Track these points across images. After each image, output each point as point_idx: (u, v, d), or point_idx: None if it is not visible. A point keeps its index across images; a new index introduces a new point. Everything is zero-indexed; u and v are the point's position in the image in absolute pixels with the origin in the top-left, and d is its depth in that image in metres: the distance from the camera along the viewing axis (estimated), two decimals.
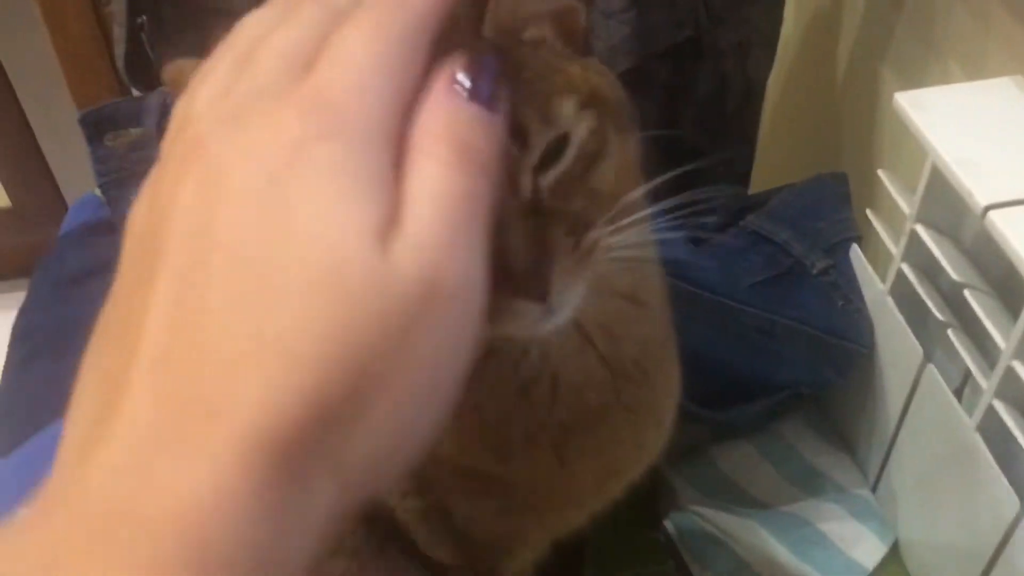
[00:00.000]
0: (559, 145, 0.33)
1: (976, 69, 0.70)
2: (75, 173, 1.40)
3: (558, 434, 0.44)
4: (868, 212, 0.69)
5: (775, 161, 1.00)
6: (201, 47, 0.74)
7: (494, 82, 0.27)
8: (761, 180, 0.84)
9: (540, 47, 0.35)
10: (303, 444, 0.21)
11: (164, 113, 0.68)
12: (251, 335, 0.21)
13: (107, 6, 0.80)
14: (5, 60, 1.32)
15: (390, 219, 0.23)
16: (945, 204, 0.59)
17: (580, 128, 0.34)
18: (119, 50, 0.72)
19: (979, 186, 0.54)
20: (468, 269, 0.24)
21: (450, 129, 0.25)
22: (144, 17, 0.68)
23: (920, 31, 0.76)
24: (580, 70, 0.36)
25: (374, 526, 0.48)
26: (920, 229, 0.61)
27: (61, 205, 1.51)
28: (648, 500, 0.71)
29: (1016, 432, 0.54)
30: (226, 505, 0.20)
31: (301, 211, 0.22)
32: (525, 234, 0.31)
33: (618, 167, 0.36)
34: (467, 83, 0.26)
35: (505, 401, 0.41)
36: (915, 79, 0.78)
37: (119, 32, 0.71)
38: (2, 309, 1.53)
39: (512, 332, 0.32)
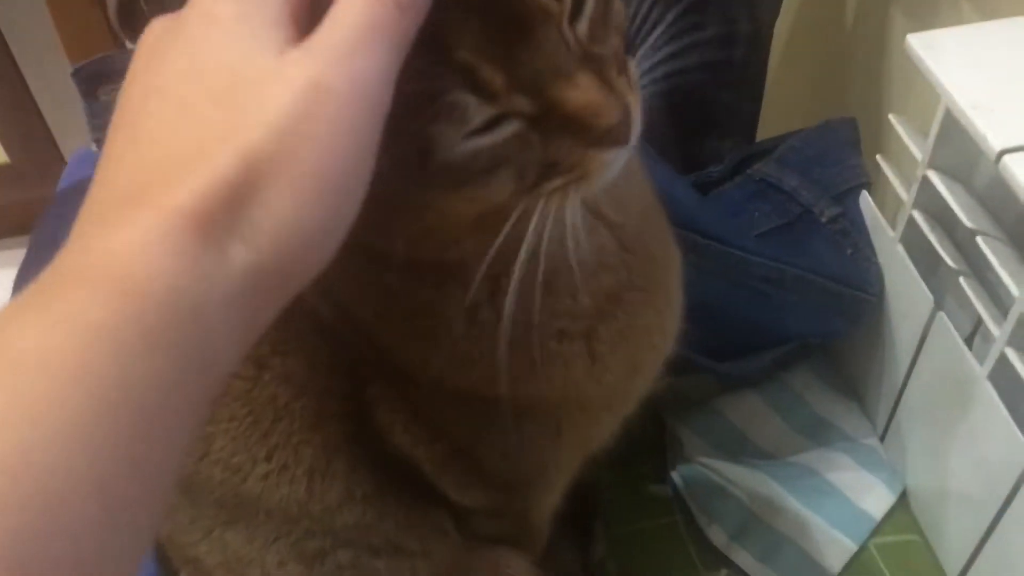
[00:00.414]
0: None
1: (988, 7, 0.68)
2: (73, 128, 1.39)
3: (585, 325, 0.43)
4: (878, 158, 0.67)
5: (783, 107, 0.98)
6: None
7: None
8: (769, 126, 0.82)
9: None
10: (211, 215, 0.28)
11: None
12: (173, 144, 0.29)
13: None
14: (2, 25, 1.30)
15: (282, 44, 0.29)
16: (958, 149, 0.57)
17: None
18: (111, 1, 0.70)
19: (993, 130, 0.53)
20: (360, 76, 0.29)
21: None
22: None
23: None
24: None
25: (389, 473, 0.47)
26: (932, 175, 0.59)
27: (59, 161, 1.49)
28: (655, 453, 0.71)
29: None
30: (150, 258, 0.27)
31: (208, 56, 0.30)
32: (598, 88, 0.33)
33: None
34: None
35: (531, 303, 0.38)
36: (926, 19, 0.76)
37: None
38: (2, 266, 1.54)
39: (604, 181, 0.36)
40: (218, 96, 0.29)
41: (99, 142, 0.70)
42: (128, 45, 0.71)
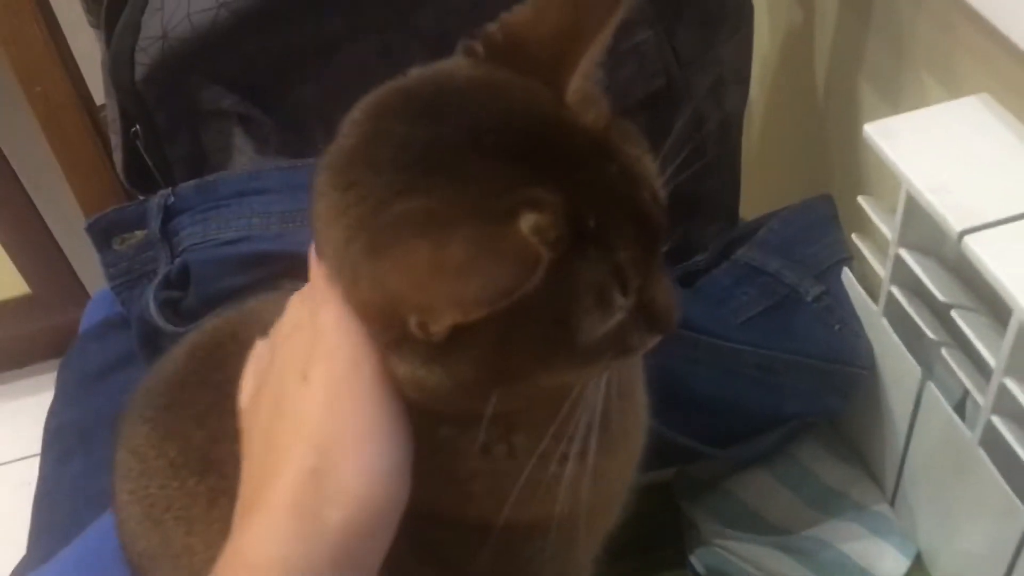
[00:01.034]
0: None
1: (949, 82, 0.71)
2: (90, 258, 1.44)
3: (583, 444, 0.44)
4: (854, 236, 0.70)
5: (765, 189, 1.02)
6: (193, 147, 0.77)
7: None
8: (754, 209, 0.86)
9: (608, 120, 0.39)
10: (301, 496, 0.37)
11: (165, 215, 0.70)
12: (267, 456, 0.39)
13: (103, 112, 0.83)
14: (14, 161, 1.36)
15: None
16: (925, 228, 0.60)
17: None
18: (117, 157, 0.75)
19: (953, 211, 0.56)
20: (360, 355, 0.39)
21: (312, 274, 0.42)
22: (137, 126, 0.71)
23: (891, 45, 0.77)
24: (627, 126, 0.40)
25: None
26: (904, 252, 0.62)
27: (79, 288, 1.54)
28: (673, 539, 0.73)
29: (1016, 446, 0.55)
30: (265, 547, 0.36)
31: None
32: (671, 291, 0.39)
33: None
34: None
35: (540, 435, 0.42)
36: (892, 95, 0.80)
37: (115, 140, 0.74)
38: (29, 394, 1.58)
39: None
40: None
41: (115, 288, 0.74)
42: (139, 196, 0.76)
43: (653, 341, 0.41)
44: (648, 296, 0.38)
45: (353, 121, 0.39)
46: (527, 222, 0.33)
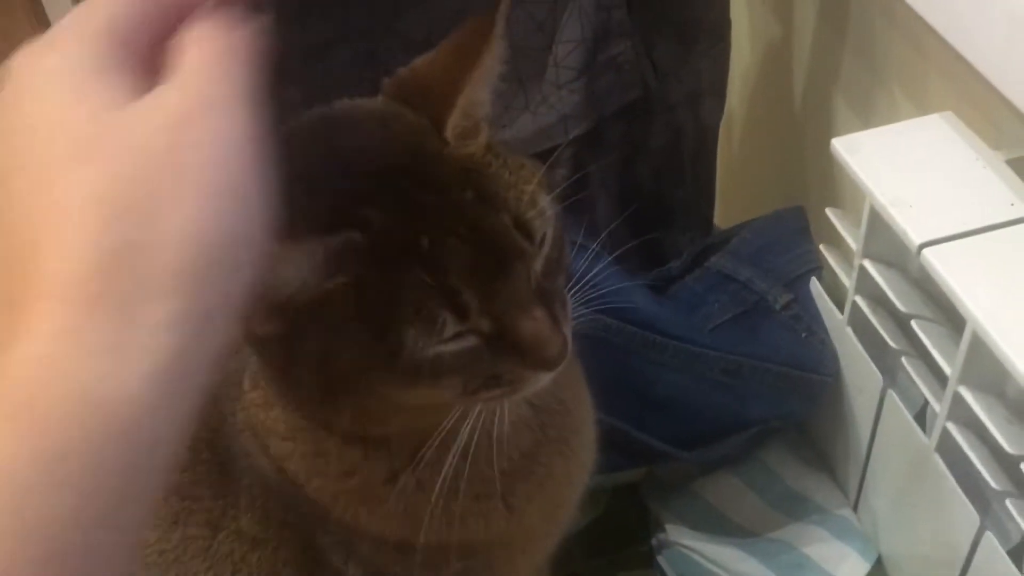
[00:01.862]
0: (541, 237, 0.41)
1: (919, 99, 0.73)
2: None
3: (502, 485, 0.47)
4: (822, 247, 0.72)
5: (740, 199, 1.04)
6: None
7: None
8: (729, 218, 0.88)
9: (489, 152, 0.42)
10: (106, 284, 0.24)
11: None
12: (45, 219, 0.25)
13: None
14: None
15: (129, 93, 0.27)
16: (887, 240, 0.62)
17: (551, 214, 0.41)
18: None
19: (913, 225, 0.58)
20: (216, 112, 0.28)
21: (208, 24, 0.30)
22: None
23: (865, 62, 0.79)
24: (520, 160, 0.43)
25: None
26: (867, 264, 0.64)
27: None
28: (640, 539, 0.75)
29: (970, 453, 0.57)
30: (50, 371, 0.24)
31: (57, 117, 0.27)
32: (548, 322, 0.40)
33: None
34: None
35: (450, 470, 0.44)
36: (864, 110, 0.82)
37: None
38: None
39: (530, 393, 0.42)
40: (79, 159, 0.26)
41: None
42: None
43: (536, 377, 0.41)
44: (507, 324, 0.39)
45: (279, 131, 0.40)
46: (346, 237, 0.37)
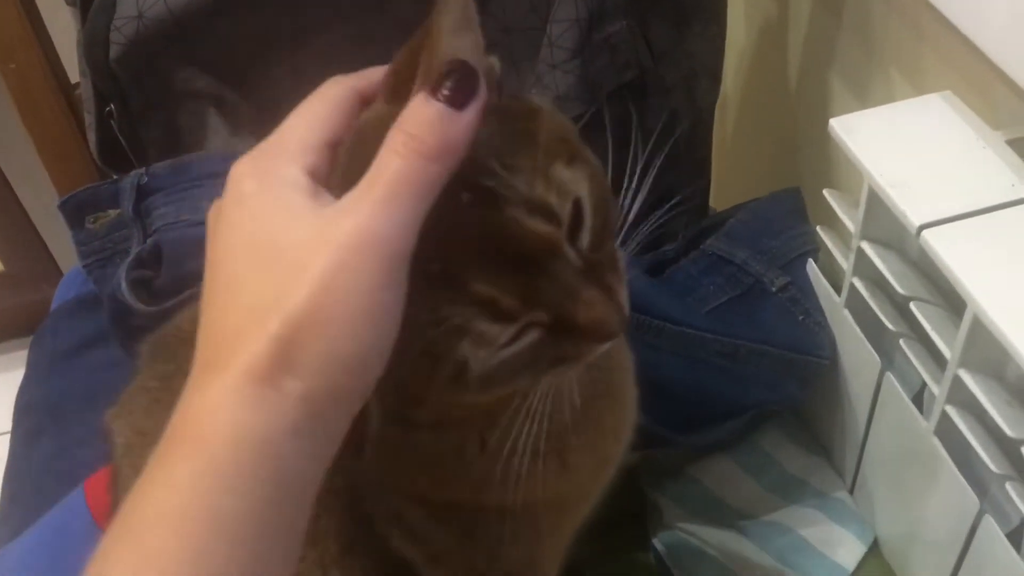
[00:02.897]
0: (576, 208, 0.38)
1: (916, 79, 0.73)
2: (64, 236, 1.44)
3: (557, 443, 0.46)
4: (819, 229, 0.72)
5: (737, 181, 1.03)
6: (167, 128, 0.77)
7: (459, 83, 0.34)
8: (725, 200, 0.87)
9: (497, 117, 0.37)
10: (266, 368, 0.33)
11: (139, 195, 0.71)
12: (234, 311, 0.35)
13: (77, 90, 0.83)
14: None
15: (310, 206, 0.35)
16: (886, 222, 0.62)
17: (581, 185, 0.38)
18: (91, 136, 0.75)
19: (912, 207, 0.57)
20: (387, 229, 0.33)
21: (404, 125, 0.34)
22: (112, 105, 0.71)
23: (861, 43, 0.79)
24: (543, 124, 0.39)
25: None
26: (865, 245, 0.64)
27: (52, 266, 1.54)
28: (637, 522, 0.74)
29: (969, 436, 0.57)
30: (221, 413, 0.33)
31: (247, 231, 0.36)
32: (602, 301, 0.38)
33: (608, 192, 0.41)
34: (434, 87, 0.34)
35: (511, 429, 0.43)
36: (861, 90, 0.81)
37: (89, 119, 0.74)
38: (3, 370, 1.57)
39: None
40: (266, 266, 0.34)
41: (88, 267, 0.75)
42: (112, 175, 0.76)
43: (596, 348, 0.40)
44: (561, 311, 0.37)
45: None
46: None
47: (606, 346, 0.40)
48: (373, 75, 0.39)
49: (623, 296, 0.40)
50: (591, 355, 0.40)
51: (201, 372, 0.35)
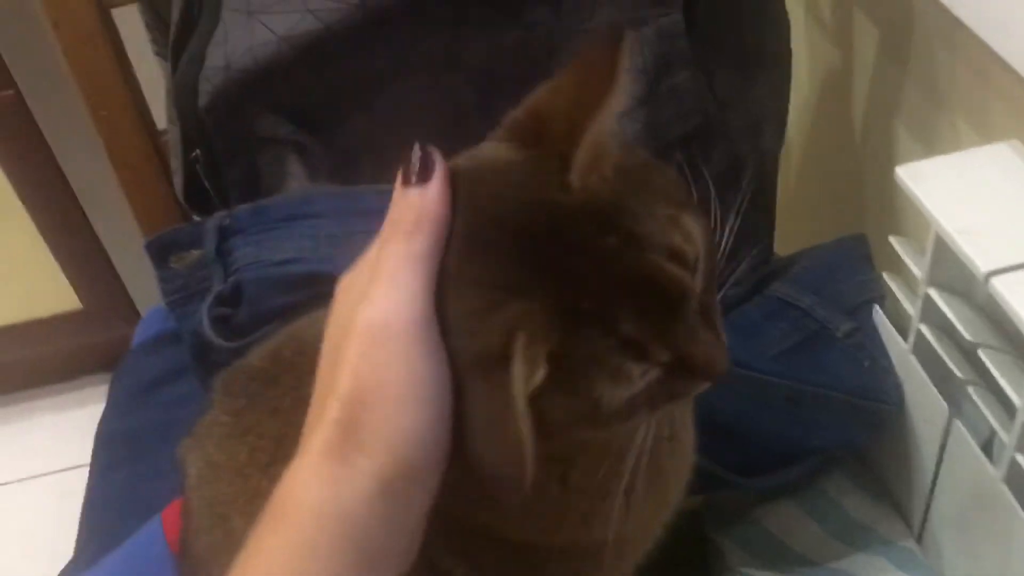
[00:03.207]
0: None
1: (982, 128, 0.73)
2: (140, 275, 1.49)
3: (625, 483, 0.47)
4: (886, 275, 0.72)
5: (802, 226, 1.04)
6: (249, 172, 0.80)
7: (420, 164, 0.39)
8: (790, 245, 0.88)
9: (619, 177, 0.40)
10: (335, 447, 0.38)
11: (221, 236, 0.74)
12: (313, 402, 0.41)
13: (164, 136, 0.87)
14: (74, 183, 1.41)
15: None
16: (953, 268, 0.62)
17: (697, 232, 0.41)
18: (177, 180, 0.79)
19: (980, 253, 0.57)
20: (398, 305, 0.37)
21: (388, 217, 0.40)
22: (198, 151, 0.74)
23: (927, 90, 0.79)
24: (666, 176, 0.42)
25: None
26: (933, 292, 0.64)
27: (129, 304, 1.59)
28: (700, 565, 0.74)
29: None
30: (304, 488, 0.38)
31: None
32: (715, 343, 0.41)
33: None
34: (405, 177, 0.39)
35: (598, 468, 0.45)
36: (926, 138, 0.81)
37: (175, 164, 0.78)
38: (80, 405, 1.63)
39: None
40: (326, 360, 0.41)
41: (171, 304, 0.78)
42: (196, 217, 0.80)
43: (703, 386, 0.42)
44: (684, 352, 0.39)
45: None
46: (520, 345, 0.36)
47: (707, 384, 0.42)
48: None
49: (724, 335, 0.42)
50: (697, 391, 0.43)
51: (296, 456, 0.40)
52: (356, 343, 0.38)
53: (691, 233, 0.40)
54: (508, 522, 0.48)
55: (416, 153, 0.39)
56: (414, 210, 0.38)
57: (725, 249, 0.48)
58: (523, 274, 0.38)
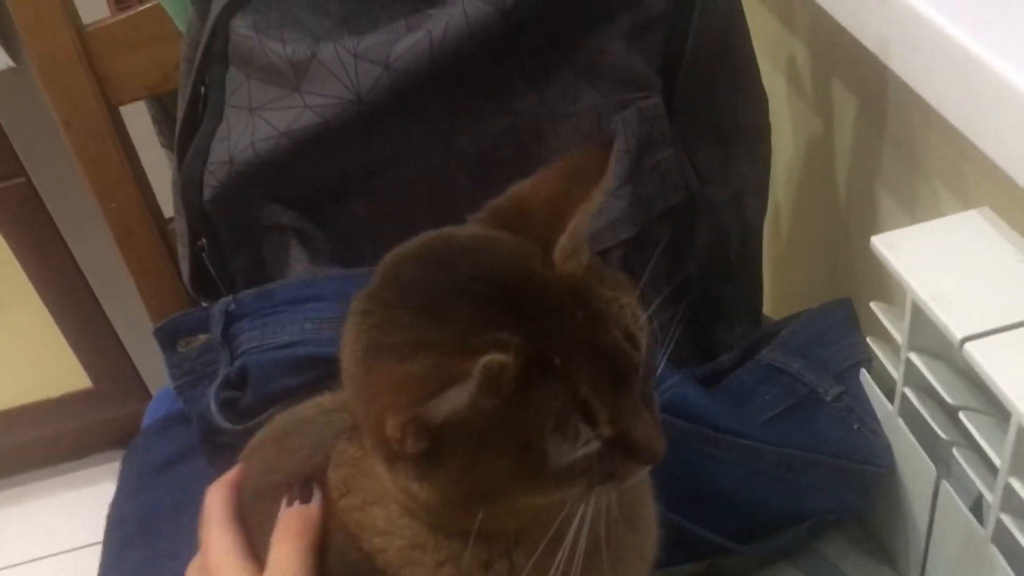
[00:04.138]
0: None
1: (960, 193, 0.76)
2: (150, 354, 1.51)
3: (586, 562, 0.48)
4: (870, 339, 0.74)
5: (790, 290, 1.06)
6: (253, 258, 0.83)
7: (302, 491, 0.51)
8: (780, 308, 0.90)
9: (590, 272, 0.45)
10: None
11: (227, 320, 0.76)
12: None
13: (171, 224, 0.90)
14: (84, 266, 1.45)
15: None
16: (931, 334, 0.64)
17: (644, 323, 0.45)
18: (184, 266, 0.82)
19: (954, 320, 0.59)
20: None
21: (279, 524, 0.50)
22: (203, 240, 0.77)
23: (906, 157, 0.82)
24: (614, 275, 0.47)
25: None
26: (914, 356, 0.66)
27: (139, 383, 1.62)
28: None
29: None
30: None
31: None
32: (654, 424, 0.44)
33: None
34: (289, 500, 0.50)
35: (562, 559, 0.46)
36: (907, 203, 0.84)
37: (183, 252, 0.81)
38: (92, 483, 1.64)
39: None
40: None
41: (179, 388, 0.80)
42: (202, 303, 0.82)
43: (640, 470, 0.46)
44: (623, 428, 0.43)
45: (382, 264, 0.47)
46: (488, 360, 0.39)
47: (645, 471, 0.45)
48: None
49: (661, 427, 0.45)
50: (633, 477, 0.45)
51: None
52: None
53: (640, 322, 0.44)
54: None
55: (295, 486, 0.51)
56: (302, 518, 0.50)
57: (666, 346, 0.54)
58: (507, 316, 0.42)
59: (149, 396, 0.99)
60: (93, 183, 0.88)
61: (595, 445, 0.43)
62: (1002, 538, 0.61)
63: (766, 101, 0.83)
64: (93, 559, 0.87)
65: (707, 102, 0.77)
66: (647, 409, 0.44)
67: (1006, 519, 0.59)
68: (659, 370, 0.48)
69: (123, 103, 0.88)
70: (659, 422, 0.45)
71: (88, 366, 1.62)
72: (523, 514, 0.46)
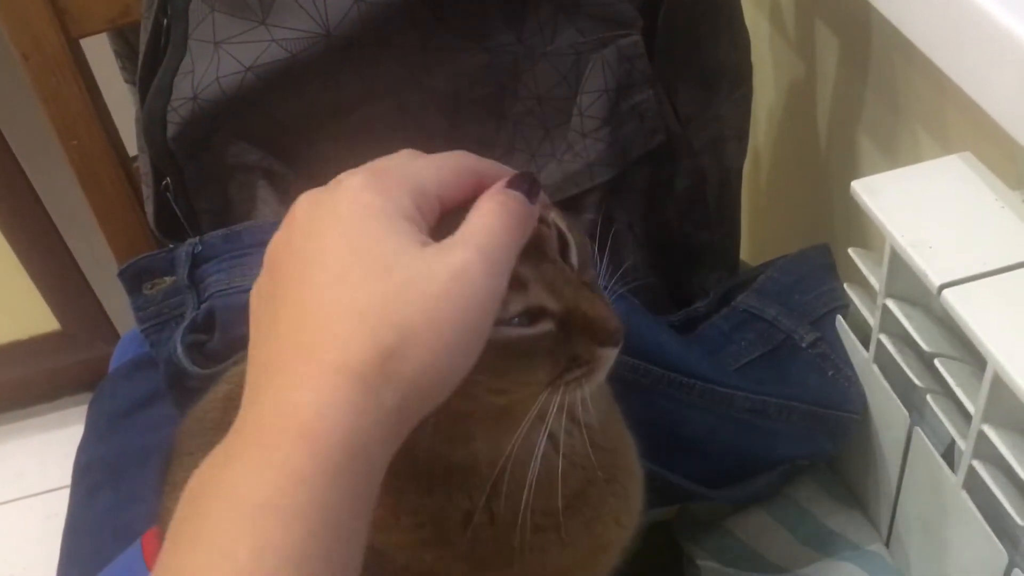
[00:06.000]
0: (560, 236, 0.46)
1: (942, 138, 0.75)
2: (119, 296, 1.49)
3: (556, 520, 0.49)
4: (847, 286, 0.73)
5: (768, 237, 1.05)
6: (220, 199, 0.81)
7: (533, 189, 0.43)
8: (757, 256, 0.89)
9: None
10: (371, 373, 0.36)
11: (193, 263, 0.75)
12: (335, 311, 0.37)
13: (135, 162, 0.88)
14: (49, 207, 1.42)
15: (419, 239, 0.39)
16: (909, 280, 0.63)
17: (563, 226, 0.47)
18: (148, 207, 0.79)
19: (933, 266, 0.59)
20: (493, 268, 0.39)
21: (500, 198, 0.41)
22: (168, 179, 0.75)
23: (888, 101, 0.81)
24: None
25: None
26: (891, 303, 0.65)
27: (108, 325, 1.60)
28: (674, 575, 0.76)
29: (996, 490, 0.58)
30: (330, 414, 0.35)
31: (364, 241, 0.38)
32: (603, 302, 0.45)
33: None
34: (519, 185, 0.42)
35: (518, 502, 0.46)
36: (888, 149, 0.83)
37: (147, 192, 0.79)
38: (59, 427, 1.63)
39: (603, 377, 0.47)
40: (377, 276, 0.37)
41: (145, 331, 0.78)
42: (168, 244, 0.80)
43: (606, 355, 0.45)
44: (572, 305, 0.44)
45: None
46: None
47: (611, 358, 0.45)
48: (496, 171, 0.44)
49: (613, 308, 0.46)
50: (601, 364, 0.45)
51: (295, 357, 0.37)
52: (443, 282, 0.37)
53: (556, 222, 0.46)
54: (445, 563, 0.49)
55: (528, 177, 0.43)
56: (526, 207, 0.42)
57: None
58: None
59: (118, 338, 0.98)
60: (53, 120, 0.85)
61: (547, 325, 0.43)
62: (973, 485, 0.61)
63: (748, 43, 0.81)
64: (63, 502, 0.86)
65: (689, 42, 0.75)
66: (593, 292, 0.45)
67: (978, 465, 0.59)
68: (622, 316, 0.48)
69: (84, 35, 0.84)
70: (611, 307, 0.45)
71: (56, 308, 1.59)
72: (484, 425, 0.45)
